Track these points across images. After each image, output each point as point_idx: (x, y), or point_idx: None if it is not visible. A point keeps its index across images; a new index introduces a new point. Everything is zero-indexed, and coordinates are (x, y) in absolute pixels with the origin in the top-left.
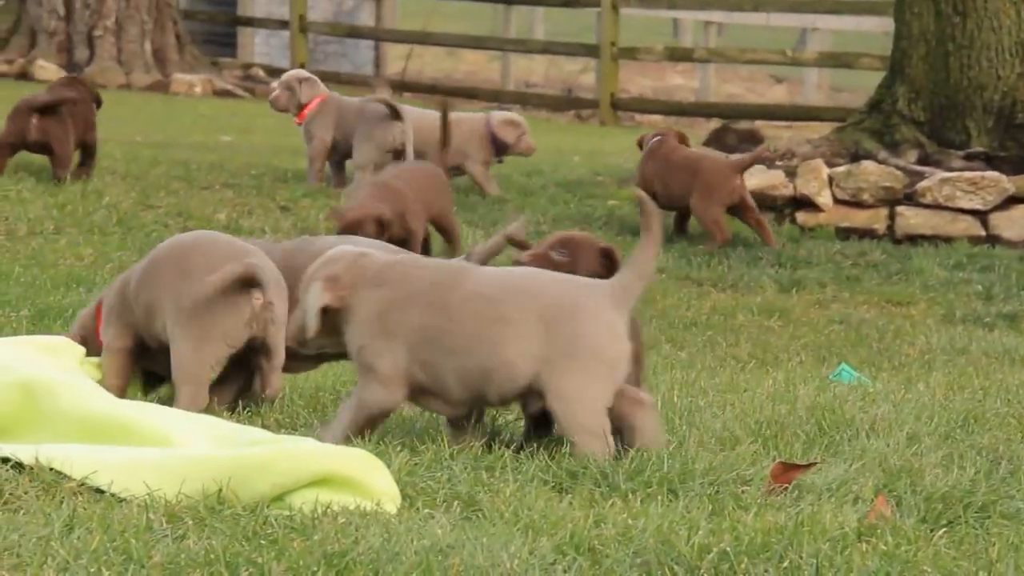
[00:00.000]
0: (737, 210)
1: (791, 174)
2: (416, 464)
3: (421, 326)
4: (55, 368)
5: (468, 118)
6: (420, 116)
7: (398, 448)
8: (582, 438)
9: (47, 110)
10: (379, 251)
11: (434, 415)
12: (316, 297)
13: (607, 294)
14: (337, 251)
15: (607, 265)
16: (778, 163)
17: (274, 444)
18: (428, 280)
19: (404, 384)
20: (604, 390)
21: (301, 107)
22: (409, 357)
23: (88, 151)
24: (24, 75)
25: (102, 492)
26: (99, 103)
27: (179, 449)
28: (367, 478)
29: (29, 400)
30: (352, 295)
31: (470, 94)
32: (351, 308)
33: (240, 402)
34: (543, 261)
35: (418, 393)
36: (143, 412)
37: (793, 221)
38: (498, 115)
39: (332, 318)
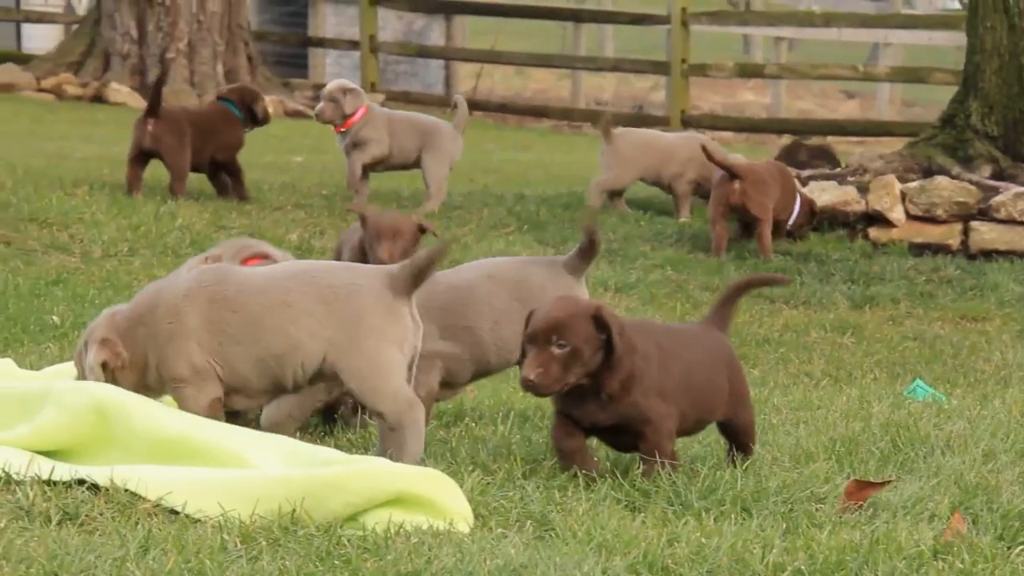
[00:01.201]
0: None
1: (863, 190)
2: (488, 483)
3: (206, 322)
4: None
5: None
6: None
7: (470, 468)
8: (388, 407)
9: (158, 116)
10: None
11: (506, 434)
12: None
13: (382, 278)
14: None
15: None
16: (850, 179)
17: (348, 464)
18: (189, 284)
19: (214, 378)
20: (394, 364)
21: (345, 118)
22: (203, 353)
23: (229, 171)
24: (98, 98)
25: (176, 513)
26: (258, 119)
27: (252, 469)
28: (440, 498)
29: (103, 422)
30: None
31: (540, 112)
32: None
33: (312, 422)
34: None
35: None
36: (216, 432)
37: (866, 237)
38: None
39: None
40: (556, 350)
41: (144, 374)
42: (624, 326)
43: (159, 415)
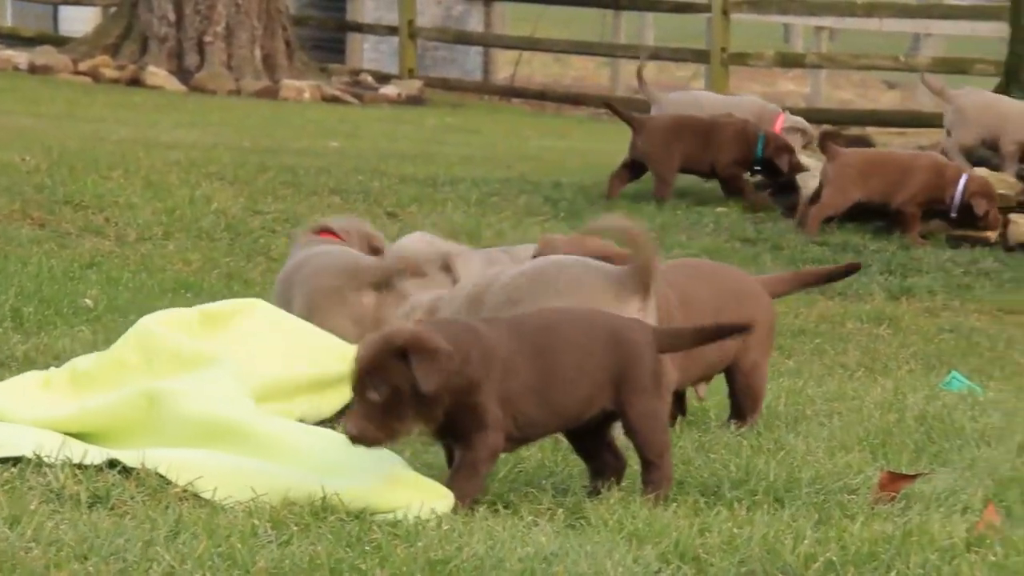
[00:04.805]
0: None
1: None
2: (520, 471)
3: None
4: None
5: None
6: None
7: (502, 456)
8: None
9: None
10: None
11: None
12: None
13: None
14: None
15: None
16: None
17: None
18: None
19: None
20: None
21: None
22: None
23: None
24: (135, 81)
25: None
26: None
27: (288, 467)
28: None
29: (152, 406)
30: None
31: (578, 100)
32: None
33: None
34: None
35: None
36: (270, 423)
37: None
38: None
39: None
40: (374, 395)
41: None
42: (439, 349)
43: (207, 401)
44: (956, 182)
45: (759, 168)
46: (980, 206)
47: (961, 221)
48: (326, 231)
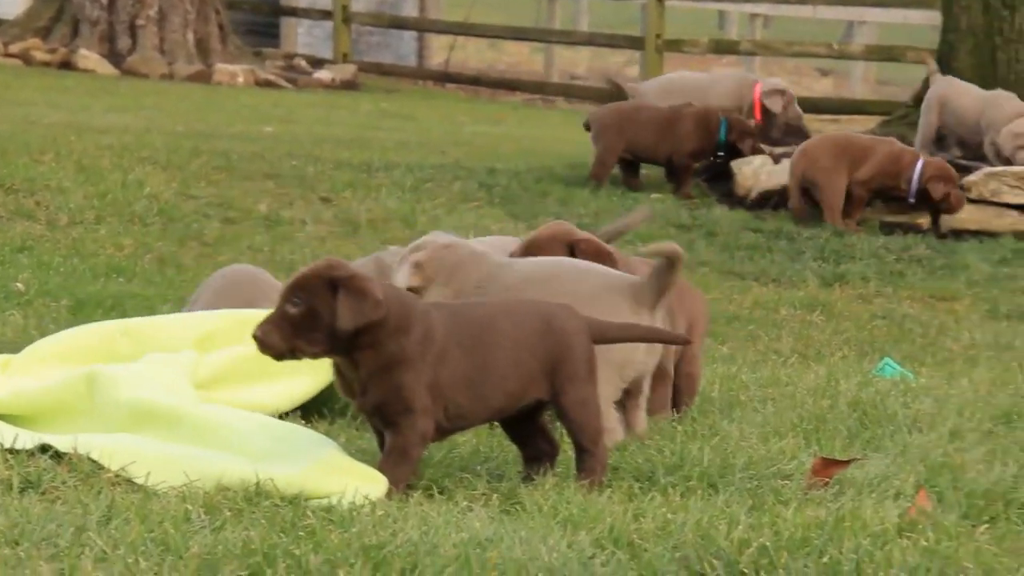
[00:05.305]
0: None
1: None
2: (455, 457)
3: None
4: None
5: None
6: None
7: (437, 442)
8: None
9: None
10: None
11: None
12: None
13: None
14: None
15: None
16: None
17: (318, 463)
18: None
19: None
20: None
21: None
22: None
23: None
24: (67, 64)
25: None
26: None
27: (221, 453)
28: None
29: (89, 391)
30: None
31: (513, 86)
32: None
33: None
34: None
35: None
36: (200, 408)
37: None
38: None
39: None
40: (291, 308)
41: None
42: (370, 294)
43: (144, 386)
44: (912, 168)
45: (722, 153)
46: (937, 190)
47: (920, 207)
48: None
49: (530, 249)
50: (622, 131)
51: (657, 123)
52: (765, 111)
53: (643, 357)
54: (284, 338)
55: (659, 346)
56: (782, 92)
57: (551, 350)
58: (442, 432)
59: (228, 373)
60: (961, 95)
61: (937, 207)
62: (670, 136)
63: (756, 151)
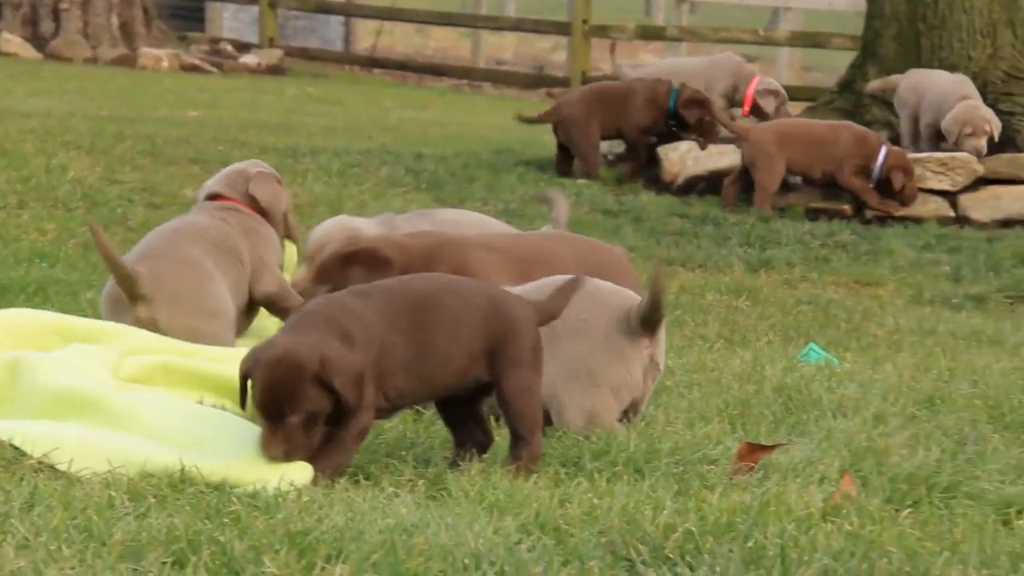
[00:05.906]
0: None
1: None
2: (381, 443)
3: None
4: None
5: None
6: None
7: None
8: None
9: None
10: None
11: None
12: None
13: None
14: None
15: None
16: None
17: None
18: None
19: None
20: None
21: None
22: None
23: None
24: None
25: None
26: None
27: (142, 439)
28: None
29: (11, 377)
30: None
31: (439, 71)
32: None
33: None
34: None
35: None
36: (124, 395)
37: None
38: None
39: None
40: (293, 419)
41: None
42: (352, 365)
43: (65, 371)
44: (877, 153)
45: (674, 123)
46: (897, 180)
47: (879, 192)
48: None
49: (321, 275)
50: (591, 115)
51: (614, 99)
52: (757, 108)
53: (640, 379)
54: (302, 447)
55: (659, 370)
56: (776, 93)
57: (494, 332)
58: (383, 412)
59: (151, 374)
60: (935, 83)
61: (894, 196)
62: (623, 112)
63: (705, 126)
